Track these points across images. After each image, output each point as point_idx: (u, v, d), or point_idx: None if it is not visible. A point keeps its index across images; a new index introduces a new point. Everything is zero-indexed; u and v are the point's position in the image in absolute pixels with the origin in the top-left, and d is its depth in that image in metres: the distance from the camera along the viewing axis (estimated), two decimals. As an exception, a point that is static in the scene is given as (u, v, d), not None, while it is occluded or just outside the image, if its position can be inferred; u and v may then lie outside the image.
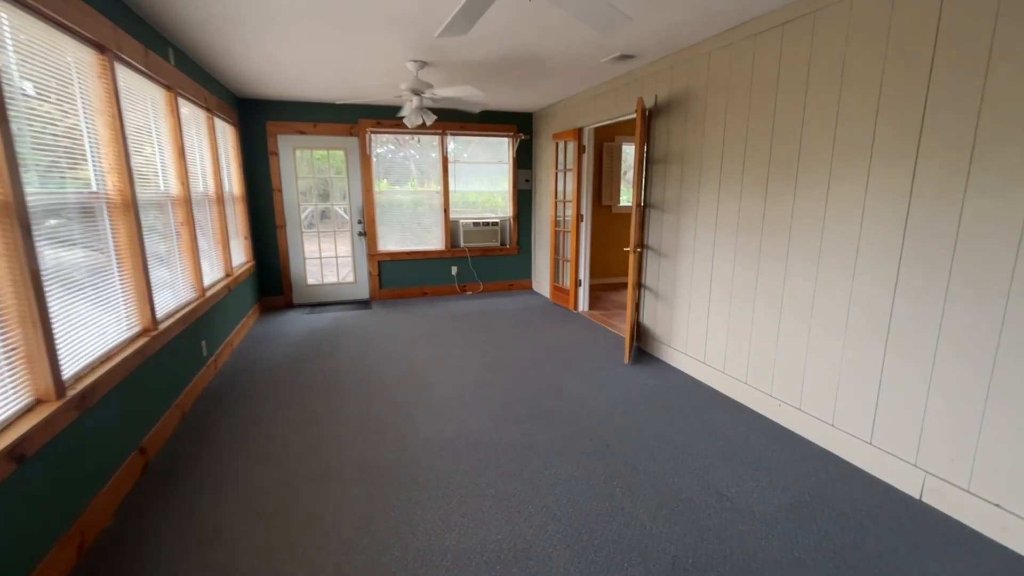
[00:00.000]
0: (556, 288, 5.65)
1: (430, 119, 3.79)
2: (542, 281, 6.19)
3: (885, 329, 2.24)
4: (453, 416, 2.90)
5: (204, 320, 3.42)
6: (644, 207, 3.91)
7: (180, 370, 2.94)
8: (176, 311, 2.96)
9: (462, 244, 6.08)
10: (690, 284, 3.49)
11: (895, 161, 2.15)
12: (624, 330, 4.55)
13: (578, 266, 5.22)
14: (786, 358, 2.76)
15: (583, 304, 5.34)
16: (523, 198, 6.31)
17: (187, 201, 3.24)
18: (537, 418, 2.87)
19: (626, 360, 3.73)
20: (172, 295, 2.98)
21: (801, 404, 2.68)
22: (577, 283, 5.26)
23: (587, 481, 2.26)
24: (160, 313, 2.74)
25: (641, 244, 3.98)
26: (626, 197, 6.72)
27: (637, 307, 3.97)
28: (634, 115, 4.04)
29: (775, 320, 2.81)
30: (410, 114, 3.73)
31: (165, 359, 2.73)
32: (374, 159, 5.64)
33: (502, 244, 6.36)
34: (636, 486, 2.23)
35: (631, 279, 3.75)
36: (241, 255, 4.85)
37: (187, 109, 3.47)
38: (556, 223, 5.58)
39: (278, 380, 3.47)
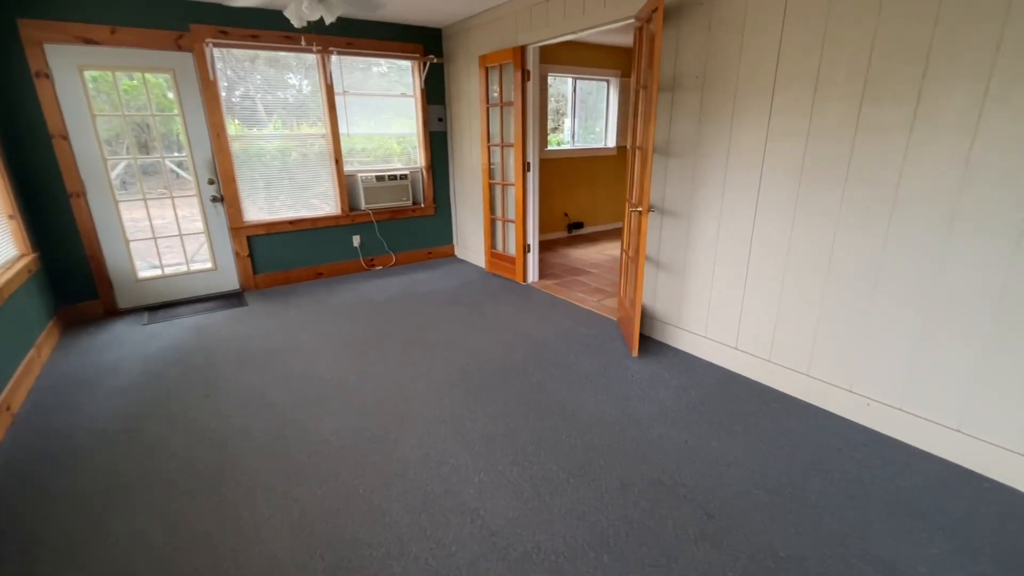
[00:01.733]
0: (494, 255, 4.58)
1: (332, 13, 2.35)
2: (470, 247, 5.06)
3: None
4: (456, 506, 1.81)
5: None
6: (636, 151, 3.00)
7: None
8: None
9: (364, 206, 4.64)
10: (714, 252, 2.72)
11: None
12: (604, 307, 3.72)
13: (526, 228, 4.21)
14: (880, 348, 2.14)
15: (533, 274, 4.38)
16: (437, 143, 4.99)
17: None
18: (575, 475, 1.93)
19: (634, 352, 2.91)
20: None
21: (904, 403, 2.10)
22: (526, 249, 4.26)
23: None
24: None
25: (630, 200, 3.09)
26: (558, 139, 5.76)
27: (635, 283, 3.13)
28: (616, 24, 3.01)
29: (864, 301, 2.15)
30: (300, 4, 2.25)
31: None
32: (222, 88, 3.85)
33: (415, 203, 5.03)
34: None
35: (640, 248, 2.87)
36: (4, 246, 2.95)
37: None
38: (490, 173, 4.43)
39: (105, 480, 2.01)
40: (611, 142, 6.49)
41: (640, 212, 2.63)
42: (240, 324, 3.51)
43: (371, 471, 1.98)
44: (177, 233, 3.96)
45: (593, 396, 2.50)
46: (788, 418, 2.29)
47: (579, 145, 6.40)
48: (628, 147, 3.05)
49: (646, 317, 3.16)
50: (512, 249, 4.40)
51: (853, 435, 2.16)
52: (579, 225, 6.45)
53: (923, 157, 1.89)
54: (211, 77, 3.73)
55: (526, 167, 4.02)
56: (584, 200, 6.44)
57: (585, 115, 6.47)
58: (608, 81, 6.27)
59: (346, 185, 4.55)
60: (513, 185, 4.17)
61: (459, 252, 5.30)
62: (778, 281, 2.46)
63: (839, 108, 2.10)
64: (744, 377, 2.67)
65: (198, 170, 3.90)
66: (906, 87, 1.90)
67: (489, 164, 4.38)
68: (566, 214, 6.33)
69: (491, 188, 4.46)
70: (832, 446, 2.09)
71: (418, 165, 4.97)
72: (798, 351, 2.43)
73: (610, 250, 5.57)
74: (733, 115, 2.49)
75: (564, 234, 6.37)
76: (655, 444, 2.11)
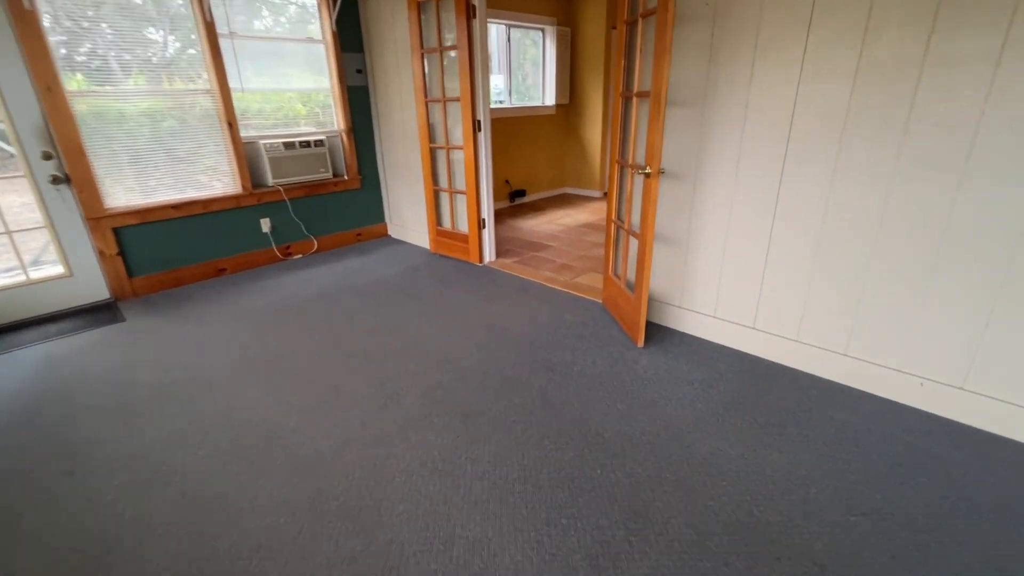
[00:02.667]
0: (442, 234, 3.92)
1: None
2: (409, 225, 4.34)
3: None
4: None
5: None
6: (631, 98, 2.49)
7: None
8: None
9: (271, 181, 3.73)
10: (727, 219, 2.32)
11: None
12: (580, 287, 3.25)
13: (480, 200, 3.58)
14: (939, 323, 1.87)
15: (490, 253, 3.79)
16: (358, 100, 4.13)
17: None
18: (632, 529, 1.46)
19: (639, 342, 2.48)
20: None
21: (967, 382, 1.86)
22: (480, 224, 3.65)
23: None
24: None
25: (622, 159, 2.59)
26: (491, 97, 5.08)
27: (641, 263, 2.69)
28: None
29: (921, 271, 1.85)
30: None
31: None
32: (44, 21, 2.74)
33: (336, 175, 4.17)
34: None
35: (648, 219, 2.42)
36: None
37: None
38: (430, 135, 3.71)
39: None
40: (550, 99, 5.94)
41: (647, 175, 2.15)
42: (116, 349, 2.60)
43: (351, 571, 1.36)
44: (3, 230, 2.85)
45: (611, 405, 2.03)
46: (836, 408, 1.99)
47: (516, 103, 5.77)
48: (619, 94, 2.53)
49: (631, 293, 2.75)
50: (463, 225, 3.77)
51: (913, 422, 1.90)
52: (521, 193, 5.90)
53: (1014, 97, 1.57)
54: (26, 5, 2.62)
55: (476, 127, 3.37)
56: (525, 165, 5.88)
57: (519, 70, 5.83)
58: (543, 30, 5.66)
59: (245, 156, 3.60)
60: (461, 149, 3.50)
61: (395, 231, 4.54)
62: (810, 250, 2.11)
63: (899, 39, 1.71)
64: (767, 360, 2.34)
65: (23, 141, 2.79)
66: (993, 10, 1.54)
67: (428, 125, 3.66)
68: (507, 181, 5.74)
69: (432, 154, 3.75)
70: (900, 440, 1.80)
71: (335, 128, 4.10)
72: (834, 329, 2.13)
73: (560, 219, 5.10)
74: (755, 52, 2.04)
75: (506, 204, 5.79)
76: (710, 466, 1.70)
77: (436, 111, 3.61)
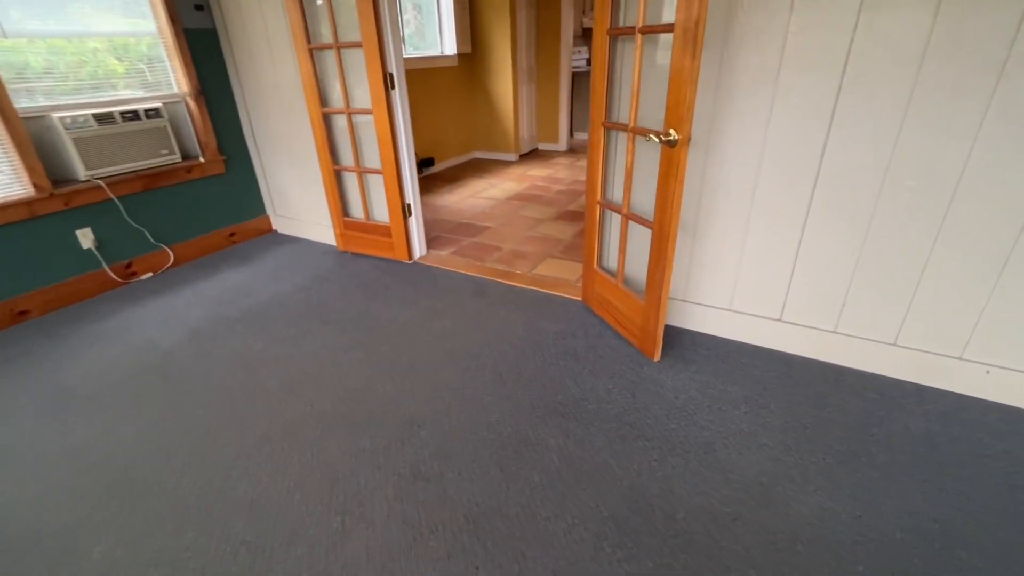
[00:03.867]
0: (351, 226, 3.04)
1: None
2: (301, 215, 3.35)
3: None
4: None
5: None
6: (618, 37, 1.85)
7: None
8: None
9: (84, 173, 2.54)
10: (750, 192, 1.85)
11: None
12: (546, 282, 2.65)
13: (402, 179, 2.77)
14: (1012, 304, 1.59)
15: (420, 246, 3.02)
16: (204, 49, 2.97)
17: None
18: None
19: (655, 356, 1.97)
20: None
21: (1042, 368, 1.63)
22: (405, 211, 2.85)
23: None
24: None
25: (608, 120, 1.99)
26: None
27: (659, 262, 2.16)
28: None
29: (1003, 245, 1.54)
30: None
31: None
32: None
33: (187, 157, 3.03)
34: None
35: (673, 201, 1.88)
36: None
37: None
38: (321, 97, 2.75)
39: None
40: (450, 48, 5.06)
41: (670, 143, 1.57)
42: None
43: None
44: None
45: (661, 460, 1.52)
46: (906, 415, 1.67)
47: (411, 53, 4.82)
48: (604, 31, 1.88)
49: (634, 293, 2.23)
50: (382, 213, 2.94)
51: (990, 418, 1.64)
52: (429, 162, 5.05)
53: None
54: None
55: (388, 82, 2.51)
56: (429, 129, 5.01)
57: (410, 14, 4.84)
58: (435, -39, 4.70)
59: (29, 137, 2.37)
60: (369, 113, 2.63)
61: (282, 226, 3.52)
62: (861, 225, 1.72)
63: (1008, -57, 1.29)
64: (800, 357, 1.98)
65: None
66: None
67: (317, 81, 2.70)
68: (412, 149, 4.84)
69: (327, 122, 2.81)
70: (991, 446, 1.53)
71: (176, 92, 2.92)
72: (883, 316, 1.80)
73: (484, 191, 4.41)
74: (799, -33, 1.52)
75: (413, 176, 4.91)
76: (827, 541, 1.26)
77: (327, 62, 2.66)
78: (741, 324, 2.08)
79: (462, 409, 1.76)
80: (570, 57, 5.50)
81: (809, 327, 1.94)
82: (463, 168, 5.32)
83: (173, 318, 2.43)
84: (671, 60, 1.51)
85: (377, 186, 2.86)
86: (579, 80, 6.26)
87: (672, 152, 1.59)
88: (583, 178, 4.71)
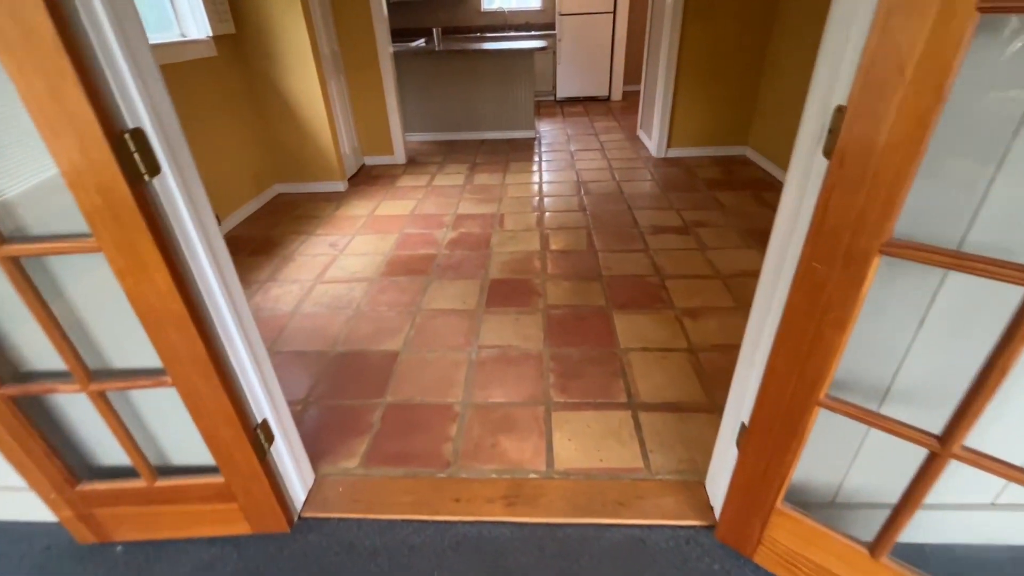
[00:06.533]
0: (104, 496, 1.23)
1: None
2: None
3: None
4: None
5: None
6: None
7: None
8: None
9: None
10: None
11: None
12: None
13: (231, 375, 1.12)
14: None
15: (299, 483, 1.39)
16: None
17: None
18: None
19: None
20: None
21: None
22: (258, 445, 1.21)
23: None
24: None
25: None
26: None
27: None
28: None
29: None
30: None
31: None
32: None
33: None
34: None
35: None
36: None
37: None
38: None
39: None
40: (196, 29, 3.03)
41: None
42: None
43: None
44: None
45: None
46: None
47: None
48: None
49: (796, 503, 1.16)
50: (192, 452, 1.23)
51: None
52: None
53: None
54: None
55: (126, 156, 0.84)
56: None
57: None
58: None
59: None
60: (90, 248, 0.91)
61: None
62: None
63: None
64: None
65: None
66: None
67: None
68: (172, 208, 2.79)
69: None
70: None
71: None
72: None
73: (328, 264, 2.74)
74: None
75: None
76: None
77: None
78: (1003, 525, 1.21)
79: None
80: (387, 31, 3.93)
81: (1118, 511, 1.17)
82: (267, 217, 3.42)
83: None
84: None
85: (163, 400, 1.15)
86: (404, 62, 4.73)
87: None
88: (476, 210, 3.34)
